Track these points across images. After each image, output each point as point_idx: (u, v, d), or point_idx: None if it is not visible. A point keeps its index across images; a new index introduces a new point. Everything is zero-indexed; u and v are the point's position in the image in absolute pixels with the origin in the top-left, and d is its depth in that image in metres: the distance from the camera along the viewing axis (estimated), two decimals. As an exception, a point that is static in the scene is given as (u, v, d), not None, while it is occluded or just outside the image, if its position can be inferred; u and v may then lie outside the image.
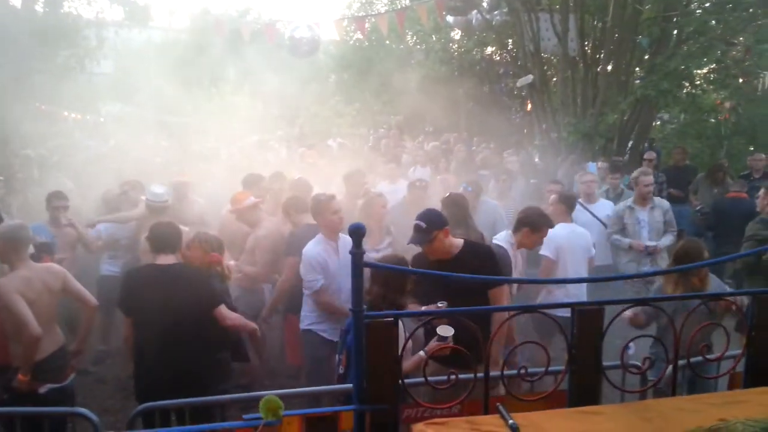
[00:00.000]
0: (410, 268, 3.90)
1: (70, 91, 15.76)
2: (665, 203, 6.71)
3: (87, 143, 14.14)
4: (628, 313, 3.80)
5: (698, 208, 8.59)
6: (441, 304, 3.59)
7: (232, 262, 4.48)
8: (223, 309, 4.03)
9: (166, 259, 4.06)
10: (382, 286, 3.52)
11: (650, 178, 6.63)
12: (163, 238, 4.08)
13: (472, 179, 6.94)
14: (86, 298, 4.29)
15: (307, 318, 4.79)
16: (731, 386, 2.90)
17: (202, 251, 4.27)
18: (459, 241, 4.01)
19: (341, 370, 3.66)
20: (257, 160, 8.85)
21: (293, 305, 5.16)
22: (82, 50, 14.07)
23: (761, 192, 6.12)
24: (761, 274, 5.40)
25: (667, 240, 6.41)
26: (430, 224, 3.83)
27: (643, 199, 6.54)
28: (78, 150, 10.92)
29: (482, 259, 3.91)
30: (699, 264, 4.06)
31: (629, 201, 6.68)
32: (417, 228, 3.88)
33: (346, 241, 4.50)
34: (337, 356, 3.84)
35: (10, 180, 7.90)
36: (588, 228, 6.42)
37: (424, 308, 3.74)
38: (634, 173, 6.83)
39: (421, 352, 3.49)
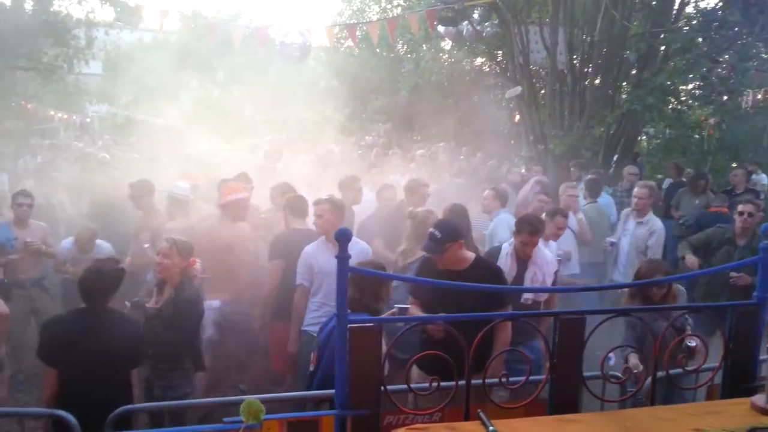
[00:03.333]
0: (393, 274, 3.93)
1: (57, 91, 15.67)
2: (657, 225, 6.52)
3: (75, 144, 14.02)
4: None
5: (681, 220, 8.68)
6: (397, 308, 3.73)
7: (197, 264, 4.40)
8: (134, 374, 3.89)
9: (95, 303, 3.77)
10: (358, 290, 3.52)
11: (644, 191, 6.55)
12: (93, 287, 3.72)
13: (497, 186, 6.86)
14: None
15: (306, 319, 4.80)
16: (709, 398, 2.94)
17: (180, 258, 4.14)
18: (470, 255, 4.05)
19: (312, 368, 3.69)
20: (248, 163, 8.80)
21: (278, 311, 5.15)
22: (71, 50, 13.99)
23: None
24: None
25: None
26: (445, 236, 3.85)
27: (635, 211, 6.58)
28: (68, 151, 10.85)
29: (491, 276, 3.95)
30: (675, 278, 4.11)
31: (630, 209, 6.75)
32: (432, 237, 3.89)
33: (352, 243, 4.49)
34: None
35: None
36: (562, 239, 6.47)
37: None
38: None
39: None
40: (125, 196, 6.82)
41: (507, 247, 4.83)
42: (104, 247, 6.09)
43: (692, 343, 3.53)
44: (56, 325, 3.75)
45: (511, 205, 7.74)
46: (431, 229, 3.95)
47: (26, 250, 5.77)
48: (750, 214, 5.77)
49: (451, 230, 3.93)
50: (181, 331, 4.01)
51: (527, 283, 4.65)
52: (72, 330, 3.65)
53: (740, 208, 5.91)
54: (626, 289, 4.86)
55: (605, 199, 7.95)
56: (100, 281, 3.73)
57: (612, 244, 6.54)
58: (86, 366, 3.55)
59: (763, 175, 11.55)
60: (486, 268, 4.06)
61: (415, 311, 4.01)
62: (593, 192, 7.72)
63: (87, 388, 3.51)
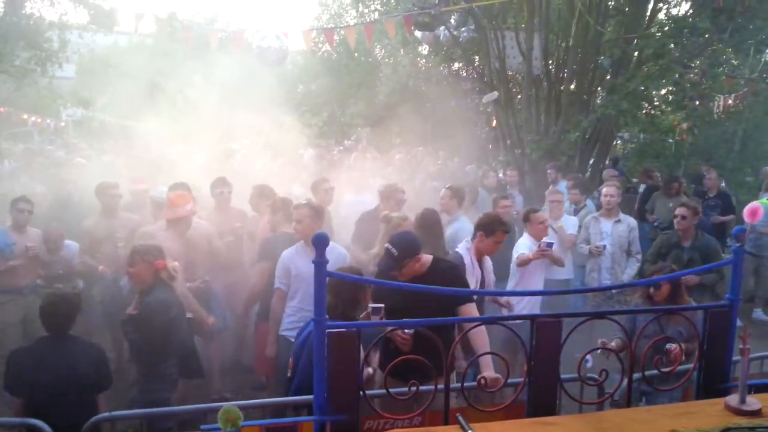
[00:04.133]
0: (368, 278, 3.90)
1: (31, 94, 15.41)
2: (632, 221, 6.78)
3: (49, 148, 13.81)
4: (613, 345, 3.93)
5: (656, 223, 8.83)
6: (408, 333, 3.58)
7: (176, 263, 4.36)
8: (102, 398, 3.89)
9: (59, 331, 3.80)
10: (334, 297, 3.47)
11: (613, 189, 6.78)
12: (57, 314, 3.77)
13: (454, 185, 6.90)
14: None
15: (283, 323, 4.80)
16: (684, 399, 2.98)
17: (145, 263, 4.12)
18: (428, 257, 3.99)
19: (289, 374, 3.67)
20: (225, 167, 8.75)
21: (265, 314, 5.13)
22: (44, 52, 13.79)
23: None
24: None
25: (632, 270, 6.51)
26: (402, 252, 3.75)
27: (606, 211, 6.71)
28: (42, 155, 10.70)
29: (450, 277, 3.91)
30: (647, 281, 4.17)
31: (596, 212, 6.90)
32: (388, 253, 3.78)
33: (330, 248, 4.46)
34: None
35: None
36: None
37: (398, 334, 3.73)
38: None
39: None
40: (80, 197, 6.84)
41: (466, 251, 4.84)
42: (73, 247, 6.06)
43: (671, 346, 3.60)
44: (21, 356, 3.75)
45: (486, 207, 7.84)
46: (387, 245, 3.83)
47: (26, 255, 5.71)
48: (683, 217, 6.04)
49: (408, 246, 3.81)
50: (149, 336, 3.98)
51: (487, 280, 4.83)
52: (37, 360, 3.67)
53: (676, 211, 6.19)
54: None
55: (588, 204, 8.03)
56: (61, 309, 3.77)
57: (605, 247, 6.56)
58: (52, 395, 3.56)
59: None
60: (444, 267, 4.02)
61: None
62: (586, 193, 7.87)
63: (54, 417, 3.43)
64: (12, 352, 3.81)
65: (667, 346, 3.61)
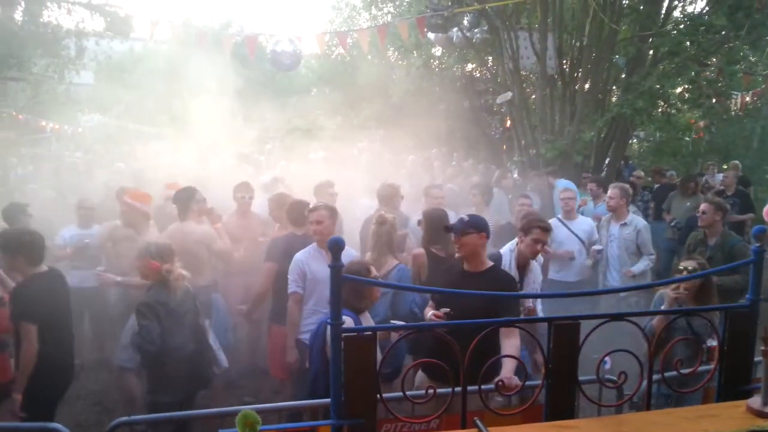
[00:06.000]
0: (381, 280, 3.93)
1: (49, 101, 15.61)
2: (641, 223, 6.58)
3: (67, 154, 14.00)
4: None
5: (673, 222, 8.75)
6: (444, 311, 3.76)
7: (182, 270, 4.25)
8: None
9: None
10: None
11: (613, 192, 6.62)
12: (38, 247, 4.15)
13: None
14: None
15: (300, 327, 4.79)
16: (705, 401, 2.95)
17: (144, 260, 4.19)
18: (489, 262, 4.13)
19: (307, 364, 3.82)
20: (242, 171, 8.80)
21: (277, 314, 5.14)
22: (62, 60, 13.97)
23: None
24: None
25: (642, 265, 6.36)
26: (471, 222, 4.01)
27: (613, 213, 6.63)
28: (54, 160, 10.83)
29: (504, 284, 3.99)
30: (666, 281, 4.12)
31: (610, 215, 6.77)
32: (460, 219, 4.08)
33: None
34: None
35: None
36: (567, 244, 6.53)
37: (431, 313, 3.90)
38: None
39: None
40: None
41: (509, 254, 4.81)
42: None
43: (713, 342, 3.52)
44: (28, 286, 4.06)
45: (502, 208, 7.82)
46: (462, 216, 4.13)
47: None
48: (704, 212, 5.93)
49: (479, 221, 4.07)
50: (135, 337, 4.06)
51: (526, 290, 4.68)
52: (45, 289, 4.04)
53: (700, 207, 6.07)
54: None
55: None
56: (40, 241, 4.16)
57: (599, 251, 6.53)
58: (59, 323, 4.02)
59: (719, 176, 11.76)
60: (501, 276, 4.12)
61: (430, 308, 4.09)
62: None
63: (64, 339, 4.05)
64: (20, 284, 4.08)
65: (711, 343, 3.54)
